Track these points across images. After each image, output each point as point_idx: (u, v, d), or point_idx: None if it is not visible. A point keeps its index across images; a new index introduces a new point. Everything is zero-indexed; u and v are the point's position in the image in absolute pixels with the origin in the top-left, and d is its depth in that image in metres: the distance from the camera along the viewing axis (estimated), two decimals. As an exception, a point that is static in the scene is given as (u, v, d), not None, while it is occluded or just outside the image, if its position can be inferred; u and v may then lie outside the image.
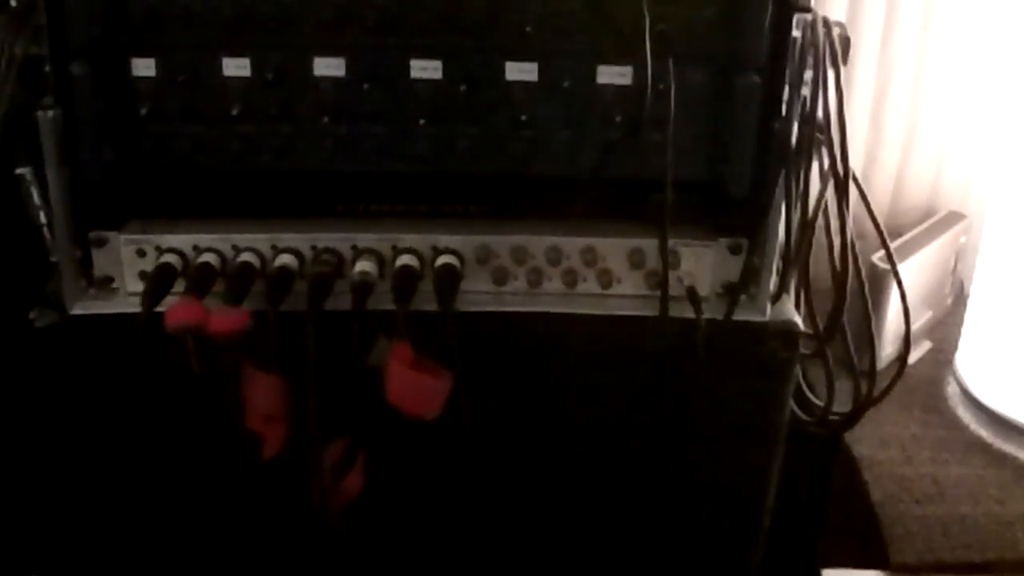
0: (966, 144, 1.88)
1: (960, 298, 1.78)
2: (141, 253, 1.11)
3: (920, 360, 1.66)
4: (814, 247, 1.15)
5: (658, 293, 1.12)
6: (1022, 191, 1.50)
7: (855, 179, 1.15)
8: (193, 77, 1.09)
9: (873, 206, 1.83)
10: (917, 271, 1.64)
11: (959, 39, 1.80)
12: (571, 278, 1.15)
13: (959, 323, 1.65)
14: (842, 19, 1.73)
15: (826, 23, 1.09)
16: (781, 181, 1.11)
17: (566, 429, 1.20)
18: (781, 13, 1.08)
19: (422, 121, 1.11)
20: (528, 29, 1.09)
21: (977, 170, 1.88)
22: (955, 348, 1.64)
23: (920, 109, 1.85)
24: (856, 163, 1.80)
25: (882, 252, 1.26)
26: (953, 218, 1.80)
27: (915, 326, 1.66)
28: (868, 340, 1.18)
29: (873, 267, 1.48)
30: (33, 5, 1.04)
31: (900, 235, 1.75)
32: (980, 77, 1.83)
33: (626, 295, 1.16)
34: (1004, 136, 1.79)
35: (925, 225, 1.76)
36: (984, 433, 1.50)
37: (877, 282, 1.43)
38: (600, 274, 1.15)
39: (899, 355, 1.26)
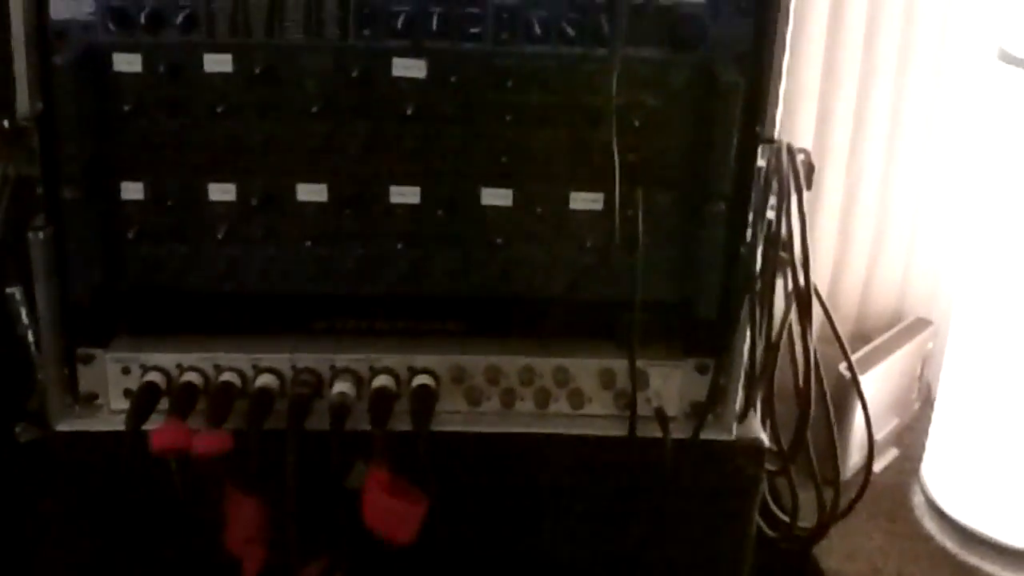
0: (932, 252, 1.93)
1: (928, 403, 1.81)
2: (126, 371, 1.15)
3: (887, 467, 1.69)
4: (782, 359, 1.19)
5: (627, 413, 1.16)
6: (985, 298, 1.54)
7: (819, 297, 1.19)
8: (180, 201, 1.13)
9: (841, 312, 1.91)
10: (884, 378, 1.68)
11: (925, 148, 1.86)
12: (543, 398, 1.18)
13: (926, 429, 1.69)
14: (811, 132, 1.79)
15: (790, 150, 1.14)
16: (747, 303, 1.15)
17: (538, 548, 1.23)
18: (747, 144, 1.13)
19: (400, 244, 1.15)
20: (503, 159, 1.14)
21: (943, 277, 1.93)
22: (922, 455, 1.67)
23: (887, 218, 1.90)
24: (824, 271, 1.87)
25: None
26: (920, 324, 1.85)
27: (882, 433, 1.71)
28: (832, 456, 1.22)
29: (840, 376, 1.52)
30: (26, 128, 1.08)
31: (868, 340, 1.80)
32: (945, 185, 1.89)
33: (596, 415, 1.19)
34: (968, 244, 1.85)
35: (892, 332, 1.80)
36: (950, 544, 1.52)
37: (843, 391, 1.46)
38: (571, 394, 1.19)
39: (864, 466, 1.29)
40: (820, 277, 1.85)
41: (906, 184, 1.88)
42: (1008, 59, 1.47)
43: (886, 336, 1.78)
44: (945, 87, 1.81)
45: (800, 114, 1.76)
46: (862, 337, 1.87)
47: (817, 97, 1.77)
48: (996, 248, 1.51)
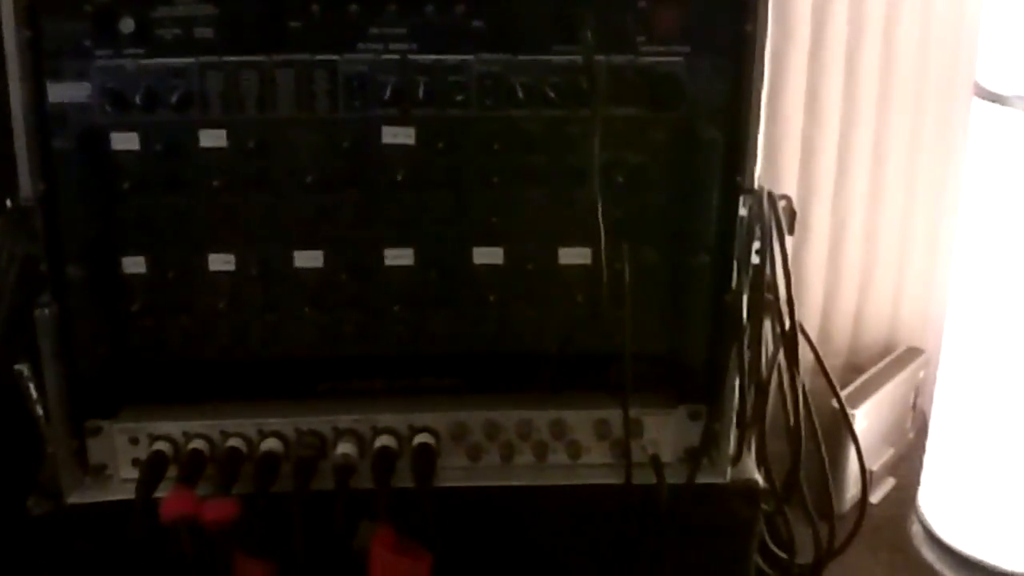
0: (921, 281, 1.96)
1: (922, 432, 1.84)
2: (134, 441, 1.17)
3: (885, 498, 1.72)
4: (774, 396, 1.22)
5: (624, 462, 1.19)
6: (975, 325, 1.57)
7: (807, 337, 1.22)
8: (181, 273, 1.17)
9: (834, 343, 1.94)
10: (878, 409, 1.71)
11: (909, 179, 1.89)
12: (541, 451, 1.21)
13: (922, 458, 1.71)
14: (795, 168, 1.82)
15: (771, 198, 1.17)
16: (735, 349, 1.18)
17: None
18: (728, 195, 1.17)
19: (396, 306, 1.19)
20: (493, 219, 1.17)
21: (932, 305, 1.96)
22: (918, 484, 1.69)
23: (875, 249, 1.94)
24: (815, 303, 1.90)
25: (843, 393, 1.32)
26: (911, 354, 1.88)
27: (878, 464, 1.73)
28: (826, 493, 1.24)
29: (833, 410, 1.54)
30: (29, 208, 1.12)
31: (861, 371, 1.83)
32: (930, 215, 1.93)
33: (593, 464, 1.22)
34: (955, 272, 1.88)
35: (884, 362, 1.83)
36: (949, 572, 1.55)
37: (837, 424, 1.49)
38: (569, 446, 1.22)
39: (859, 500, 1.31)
40: (811, 309, 1.89)
41: (892, 215, 1.92)
42: (984, 95, 1.51)
43: (878, 367, 1.81)
44: (926, 122, 1.84)
45: (785, 152, 1.80)
46: (855, 368, 1.91)
47: (800, 135, 1.81)
48: (983, 275, 1.54)
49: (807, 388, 1.20)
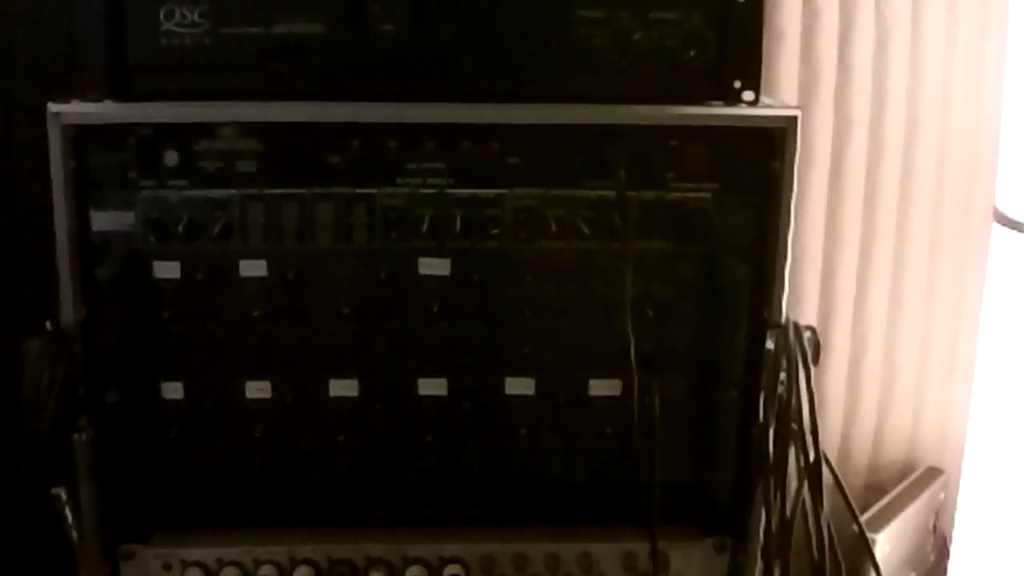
0: (939, 402, 1.96)
1: (943, 554, 1.84)
2: (167, 567, 1.19)
3: (907, 623, 1.71)
4: (798, 524, 1.22)
5: (652, 596, 1.20)
6: (995, 447, 1.58)
7: (831, 468, 1.22)
8: (218, 400, 1.19)
9: (854, 463, 1.94)
10: (899, 533, 1.71)
11: (927, 302, 1.91)
12: (569, 583, 1.22)
13: (943, 581, 1.71)
14: (816, 291, 1.84)
15: (797, 330, 1.18)
16: (760, 482, 1.19)
17: None
18: (755, 329, 1.19)
19: (429, 437, 1.20)
20: (525, 350, 1.19)
21: (951, 426, 1.96)
22: (940, 610, 1.69)
23: (894, 370, 1.94)
24: (835, 424, 1.90)
25: (865, 516, 1.32)
26: (931, 474, 1.88)
27: (900, 589, 1.73)
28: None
29: (854, 535, 1.54)
30: (70, 332, 1.14)
31: (881, 490, 1.83)
32: (951, 334, 1.94)
33: (621, 598, 1.23)
34: (977, 394, 1.89)
35: (904, 484, 1.83)
36: None
37: (859, 550, 1.49)
38: (596, 578, 1.22)
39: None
40: (831, 429, 1.89)
41: (911, 337, 1.93)
42: (1004, 220, 1.54)
43: (898, 489, 1.81)
44: (943, 245, 1.86)
45: (806, 275, 1.82)
46: (875, 488, 1.90)
47: (821, 258, 1.83)
48: (1004, 397, 1.55)
49: (828, 507, 1.21)
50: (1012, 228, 1.54)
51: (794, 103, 1.65)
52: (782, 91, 1.69)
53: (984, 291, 1.82)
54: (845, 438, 1.94)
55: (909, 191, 1.83)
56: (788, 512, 1.20)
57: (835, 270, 1.85)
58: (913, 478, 1.86)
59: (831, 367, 1.88)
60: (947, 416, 1.96)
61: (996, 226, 1.57)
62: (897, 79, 1.76)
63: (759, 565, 1.22)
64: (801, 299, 1.81)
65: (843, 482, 1.30)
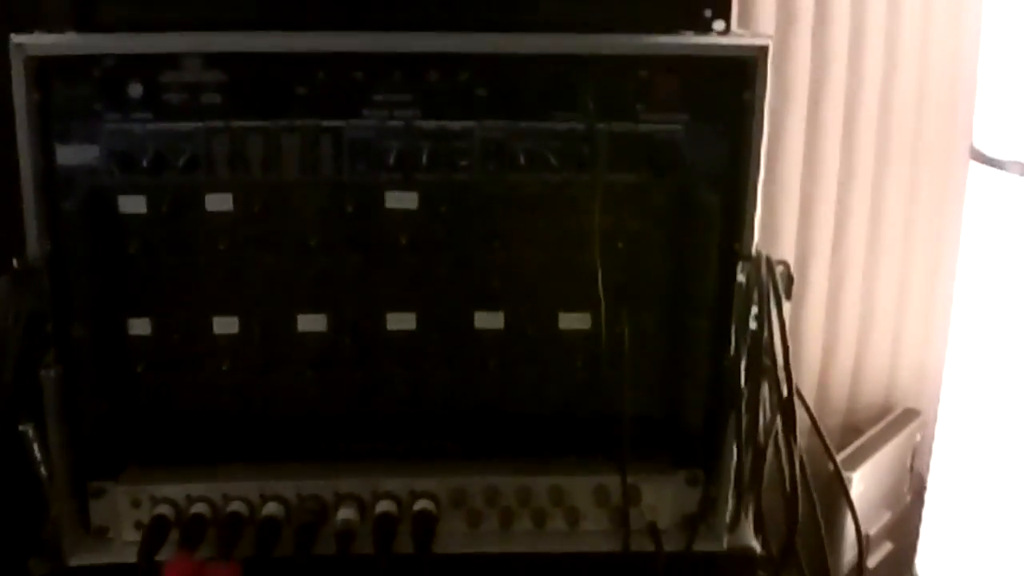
0: (917, 343, 1.97)
1: (919, 494, 1.85)
2: (136, 503, 1.18)
3: (882, 562, 1.72)
4: (772, 463, 1.22)
5: (622, 529, 1.20)
6: (972, 387, 1.58)
7: (805, 404, 1.22)
8: (186, 335, 1.18)
9: (831, 404, 1.95)
10: (874, 472, 1.72)
11: (905, 241, 1.91)
12: (540, 517, 1.22)
13: (919, 521, 1.72)
14: (794, 231, 1.84)
15: (769, 264, 1.18)
16: (732, 414, 1.19)
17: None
18: (726, 262, 1.18)
19: (398, 369, 1.20)
20: (494, 283, 1.19)
21: (929, 367, 1.97)
22: (915, 548, 1.70)
23: (872, 311, 1.95)
24: (813, 364, 1.91)
25: (841, 455, 1.32)
26: (908, 415, 1.89)
27: (875, 528, 1.74)
28: (823, 559, 1.24)
29: (830, 474, 1.54)
30: (36, 267, 1.13)
31: (858, 431, 1.83)
32: (926, 276, 1.94)
33: (592, 531, 1.22)
34: (951, 333, 1.89)
35: (881, 424, 1.84)
36: (945, 636, 1.55)
37: (834, 489, 1.49)
38: (567, 512, 1.22)
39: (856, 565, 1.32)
40: (808, 369, 1.90)
41: (889, 276, 1.94)
42: (981, 158, 1.53)
43: (875, 429, 1.82)
44: (921, 184, 1.86)
45: (783, 213, 1.82)
46: (853, 428, 1.92)
47: (799, 197, 1.83)
48: (980, 337, 1.55)
49: (804, 448, 1.21)
50: (989, 165, 1.53)
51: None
52: (760, 28, 1.68)
53: (961, 229, 1.81)
54: (823, 379, 1.95)
55: (887, 128, 1.83)
56: (761, 444, 1.20)
57: (813, 208, 1.86)
58: (890, 419, 1.87)
59: (809, 306, 1.89)
60: (925, 357, 1.97)
61: (973, 164, 1.56)
62: (875, 15, 1.76)
63: (731, 498, 1.22)
64: (779, 241, 1.81)
65: (818, 420, 1.30)
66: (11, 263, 1.13)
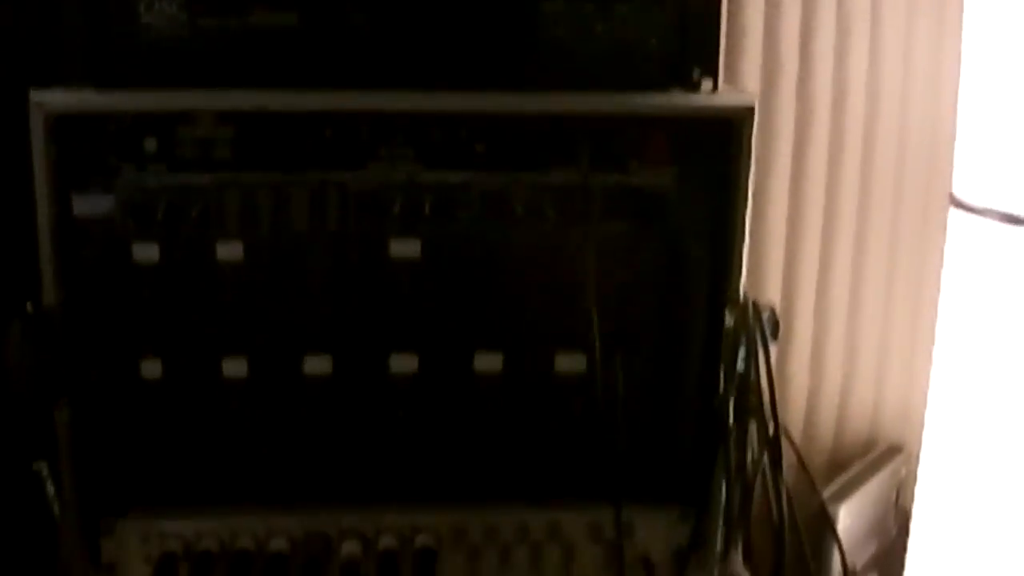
0: (901, 381, 2.02)
1: (905, 528, 1.89)
2: (145, 539, 1.22)
3: (867, 595, 1.76)
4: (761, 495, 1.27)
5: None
6: (954, 424, 1.62)
7: (791, 441, 1.27)
8: (196, 378, 1.22)
9: (817, 441, 1.99)
10: (860, 506, 1.76)
11: (890, 282, 1.96)
12: (536, 552, 1.26)
13: (904, 553, 1.76)
14: (780, 270, 1.89)
15: (756, 308, 1.23)
16: (721, 451, 1.24)
17: None
18: (714, 306, 1.23)
19: (400, 412, 1.25)
20: (493, 328, 1.24)
21: (912, 405, 2.01)
22: (900, 582, 1.74)
23: (857, 350, 2.00)
24: (799, 402, 1.95)
25: (827, 490, 1.36)
26: (892, 451, 1.93)
27: (862, 560, 1.78)
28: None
29: (816, 509, 1.59)
30: (51, 312, 1.17)
31: (845, 468, 1.88)
32: (911, 315, 1.99)
33: (586, 564, 1.27)
34: (936, 373, 1.94)
35: (866, 460, 1.88)
36: (931, 667, 1.59)
37: (821, 523, 1.53)
38: (563, 547, 1.27)
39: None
40: (795, 407, 1.95)
41: (873, 318, 1.98)
42: (960, 205, 1.59)
43: (860, 465, 1.86)
44: (903, 229, 1.92)
45: (769, 257, 1.86)
46: (839, 465, 1.96)
47: (784, 240, 1.88)
48: (962, 377, 1.60)
49: (791, 485, 1.25)
50: (969, 212, 1.59)
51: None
52: (746, 83, 1.74)
53: (942, 273, 1.87)
54: (809, 415, 1.99)
55: (870, 179, 1.88)
56: (749, 480, 1.25)
57: (798, 255, 1.90)
58: (875, 455, 1.91)
59: (795, 347, 1.93)
60: (908, 395, 2.02)
61: (953, 211, 1.62)
62: (857, 70, 1.82)
63: (721, 531, 1.27)
64: (765, 280, 1.86)
65: (804, 456, 1.35)
66: (25, 307, 1.16)
